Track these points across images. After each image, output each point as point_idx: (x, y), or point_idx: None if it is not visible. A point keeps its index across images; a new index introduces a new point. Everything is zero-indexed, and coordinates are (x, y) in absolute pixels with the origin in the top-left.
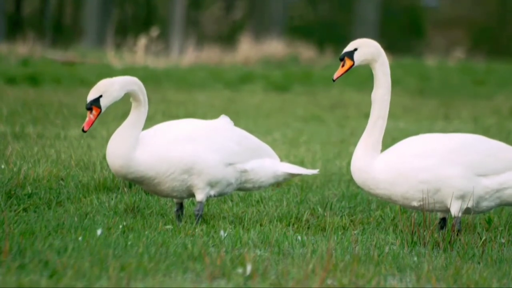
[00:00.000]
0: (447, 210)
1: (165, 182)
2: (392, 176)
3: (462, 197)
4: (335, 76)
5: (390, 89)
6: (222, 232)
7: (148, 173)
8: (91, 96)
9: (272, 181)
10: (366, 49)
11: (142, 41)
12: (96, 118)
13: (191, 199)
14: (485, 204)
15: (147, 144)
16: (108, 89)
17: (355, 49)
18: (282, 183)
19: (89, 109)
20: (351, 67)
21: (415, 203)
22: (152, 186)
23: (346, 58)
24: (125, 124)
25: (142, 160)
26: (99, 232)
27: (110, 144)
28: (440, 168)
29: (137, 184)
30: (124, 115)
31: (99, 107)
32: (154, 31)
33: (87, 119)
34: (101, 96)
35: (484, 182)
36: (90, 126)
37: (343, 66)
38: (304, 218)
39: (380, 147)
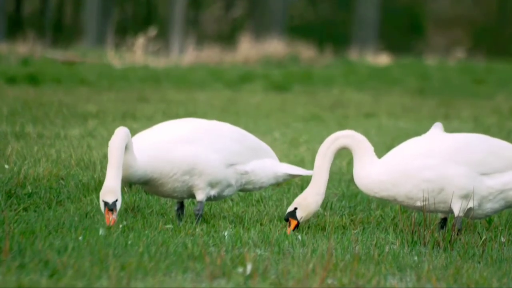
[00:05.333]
0: (449, 211)
1: (167, 183)
2: (394, 176)
3: (465, 196)
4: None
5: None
6: (226, 233)
7: (153, 175)
8: (110, 199)
9: (272, 181)
10: (308, 207)
11: (140, 40)
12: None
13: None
14: (489, 205)
15: (149, 146)
16: (119, 196)
17: (295, 208)
18: (282, 183)
19: (111, 209)
20: (297, 225)
21: (419, 203)
22: (155, 187)
23: (290, 219)
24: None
25: (146, 162)
26: (101, 231)
27: None
28: (443, 167)
29: (140, 186)
30: (124, 115)
31: (116, 210)
32: (152, 31)
33: (112, 217)
34: (116, 200)
35: (487, 183)
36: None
37: (289, 225)
38: None
39: (373, 154)
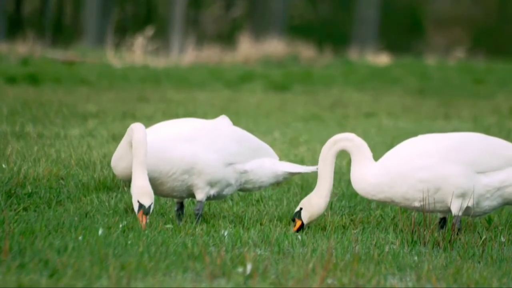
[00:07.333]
0: (448, 210)
1: (166, 182)
2: (390, 178)
3: (462, 195)
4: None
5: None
6: (225, 232)
7: (153, 174)
8: (147, 202)
9: (272, 181)
10: (311, 208)
11: (139, 40)
12: None
13: (191, 198)
14: (487, 203)
15: (149, 144)
16: (153, 198)
17: (301, 209)
18: (282, 183)
19: (148, 213)
20: (301, 225)
21: (416, 204)
22: (154, 186)
23: (296, 219)
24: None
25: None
26: (100, 231)
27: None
28: (439, 167)
29: None
30: (124, 115)
31: (150, 213)
32: (149, 31)
33: (145, 221)
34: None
35: (484, 181)
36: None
37: (295, 224)
38: None
39: (370, 158)
